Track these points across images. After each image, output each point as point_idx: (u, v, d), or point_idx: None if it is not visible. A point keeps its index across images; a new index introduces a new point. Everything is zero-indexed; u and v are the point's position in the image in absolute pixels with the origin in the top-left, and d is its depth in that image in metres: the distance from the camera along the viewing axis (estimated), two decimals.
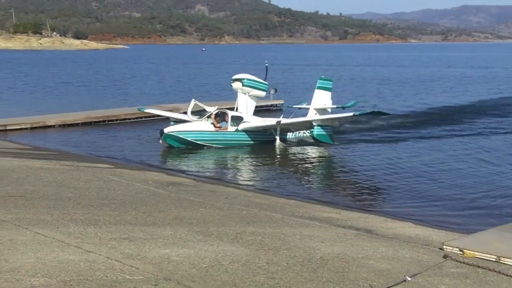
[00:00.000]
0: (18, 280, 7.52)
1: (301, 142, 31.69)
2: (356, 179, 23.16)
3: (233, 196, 17.59)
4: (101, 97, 56.81)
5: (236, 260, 9.31)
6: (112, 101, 52.73)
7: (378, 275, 9.12)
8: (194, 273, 8.47)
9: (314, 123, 30.44)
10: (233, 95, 33.46)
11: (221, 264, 8.98)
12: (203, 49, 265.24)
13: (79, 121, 37.35)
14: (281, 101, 48.75)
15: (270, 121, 31.49)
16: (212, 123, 30.27)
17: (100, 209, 13.12)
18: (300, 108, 35.55)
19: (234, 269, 8.79)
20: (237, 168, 26.43)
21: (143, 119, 39.32)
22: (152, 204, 14.43)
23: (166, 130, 29.57)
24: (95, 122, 37.89)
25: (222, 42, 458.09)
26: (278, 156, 28.64)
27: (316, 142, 30.59)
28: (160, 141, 29.76)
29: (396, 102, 52.68)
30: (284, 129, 31.42)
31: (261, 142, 30.93)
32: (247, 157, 28.35)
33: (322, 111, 33.08)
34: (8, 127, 34.68)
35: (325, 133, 30.41)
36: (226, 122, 30.52)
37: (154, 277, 8.14)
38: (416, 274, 9.21)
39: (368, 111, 31.29)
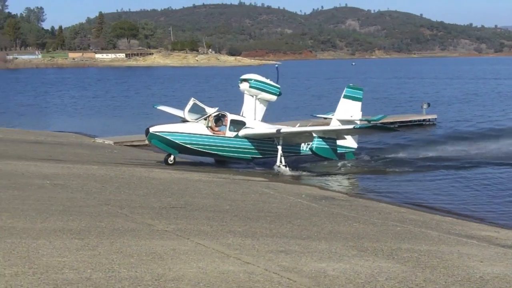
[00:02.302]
0: None
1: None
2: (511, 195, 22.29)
3: (386, 212, 17.43)
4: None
5: (393, 277, 9.21)
6: None
7: None
8: None
9: (314, 134, 26.19)
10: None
11: (377, 280, 8.92)
12: (353, 63, 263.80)
13: None
14: (434, 116, 47.82)
15: (269, 129, 28.05)
16: (209, 126, 26.76)
17: (257, 221, 13.44)
18: (325, 119, 32.20)
19: (391, 286, 8.69)
20: (389, 183, 25.84)
21: None
22: (306, 218, 14.59)
23: (152, 129, 25.84)
24: None
25: (373, 57, 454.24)
26: (429, 171, 27.85)
27: (316, 156, 26.85)
28: (146, 142, 26.77)
29: None
30: (289, 140, 27.66)
31: (267, 152, 27.83)
32: (396, 171, 27.83)
33: (347, 123, 29.43)
34: None
35: (327, 146, 26.13)
36: (225, 126, 27.12)
37: None
38: None
39: (369, 125, 27.27)
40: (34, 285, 7.36)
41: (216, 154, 26.96)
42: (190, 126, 26.26)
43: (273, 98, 28.69)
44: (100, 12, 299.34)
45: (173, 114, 30.95)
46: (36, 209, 12.29)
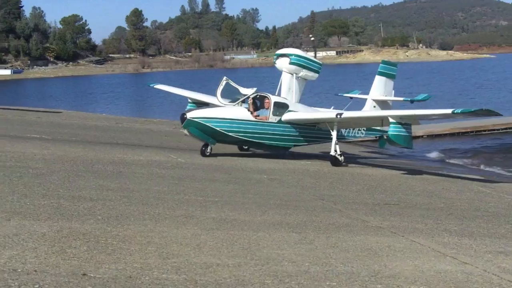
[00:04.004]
0: (398, 286, 7.79)
1: None
2: None
3: None
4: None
5: None
6: None
7: None
8: None
9: (391, 120, 20.97)
10: None
11: None
12: None
13: (447, 132, 37.47)
14: None
15: (326, 113, 23.70)
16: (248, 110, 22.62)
17: (473, 220, 13.10)
18: (351, 98, 27.38)
19: None
20: None
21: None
22: None
23: (189, 115, 21.23)
24: (463, 132, 37.75)
25: None
26: None
27: (390, 144, 22.16)
28: (181, 130, 22.81)
29: None
30: (345, 125, 23.56)
31: (312, 139, 23.76)
32: None
33: (382, 103, 25.72)
34: None
35: (406, 133, 21.01)
36: (267, 109, 22.60)
37: None
38: None
39: (473, 109, 20.67)
40: (256, 276, 7.69)
41: (259, 143, 22.79)
42: (232, 111, 22.05)
43: (315, 76, 24.35)
44: (312, 11, 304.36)
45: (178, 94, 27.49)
46: (256, 203, 12.86)
